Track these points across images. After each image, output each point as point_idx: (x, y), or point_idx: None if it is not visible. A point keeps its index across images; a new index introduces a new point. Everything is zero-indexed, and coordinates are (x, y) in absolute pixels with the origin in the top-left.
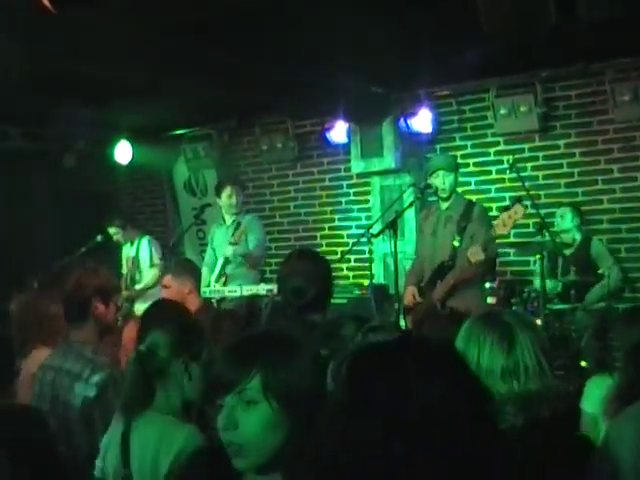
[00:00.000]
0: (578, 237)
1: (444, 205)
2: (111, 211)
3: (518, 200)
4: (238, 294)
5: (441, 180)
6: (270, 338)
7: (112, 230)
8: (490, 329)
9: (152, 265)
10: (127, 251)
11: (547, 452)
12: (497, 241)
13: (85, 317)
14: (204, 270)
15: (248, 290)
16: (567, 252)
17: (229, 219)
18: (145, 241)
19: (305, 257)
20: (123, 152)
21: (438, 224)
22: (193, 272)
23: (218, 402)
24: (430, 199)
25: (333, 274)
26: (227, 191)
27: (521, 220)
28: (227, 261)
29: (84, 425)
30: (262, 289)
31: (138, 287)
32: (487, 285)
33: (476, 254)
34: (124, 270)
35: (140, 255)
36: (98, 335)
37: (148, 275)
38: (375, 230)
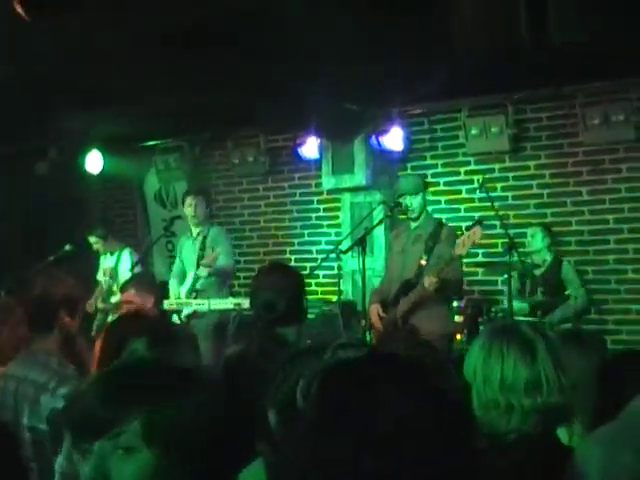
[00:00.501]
0: (548, 258)
1: (413, 225)
2: (85, 220)
3: (479, 222)
4: (206, 307)
5: (408, 202)
6: (156, 369)
7: (92, 239)
8: (512, 342)
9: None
10: (106, 261)
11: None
12: (465, 260)
13: (50, 327)
14: (172, 282)
15: (216, 304)
16: (537, 272)
17: (195, 231)
18: (126, 253)
19: (276, 271)
20: (94, 162)
21: (407, 243)
22: (155, 287)
23: (84, 446)
24: (400, 217)
25: (304, 288)
26: (188, 201)
27: (489, 240)
28: (197, 279)
29: (53, 438)
30: (230, 303)
31: (114, 300)
32: (454, 304)
33: (429, 282)
34: (101, 280)
35: (120, 267)
36: (62, 345)
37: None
38: (344, 246)
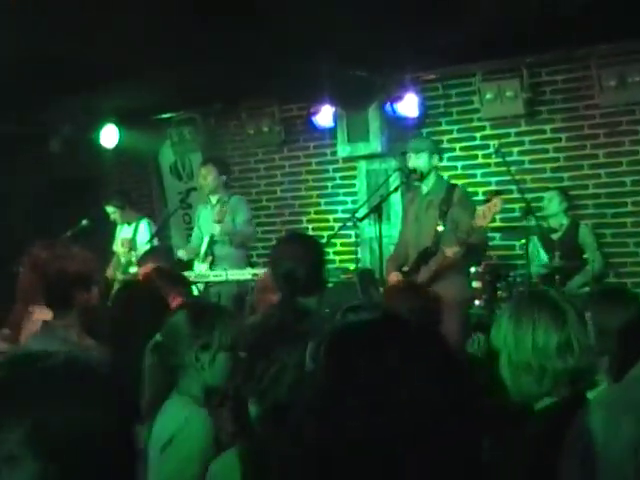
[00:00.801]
0: (565, 222)
1: (425, 189)
2: (101, 195)
3: (497, 192)
4: (223, 278)
5: (413, 162)
6: (46, 368)
7: (110, 209)
8: (542, 307)
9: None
10: (123, 232)
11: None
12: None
13: (67, 305)
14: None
15: (233, 274)
16: (554, 236)
17: (213, 199)
18: (144, 223)
19: (295, 240)
20: (109, 136)
21: (420, 209)
22: (172, 259)
23: None
24: (415, 183)
25: (324, 257)
26: (202, 171)
27: (506, 205)
28: (213, 240)
29: None
30: (248, 273)
31: (133, 270)
32: (472, 270)
33: (452, 251)
34: (118, 250)
35: (137, 237)
36: (81, 319)
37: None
38: (361, 214)
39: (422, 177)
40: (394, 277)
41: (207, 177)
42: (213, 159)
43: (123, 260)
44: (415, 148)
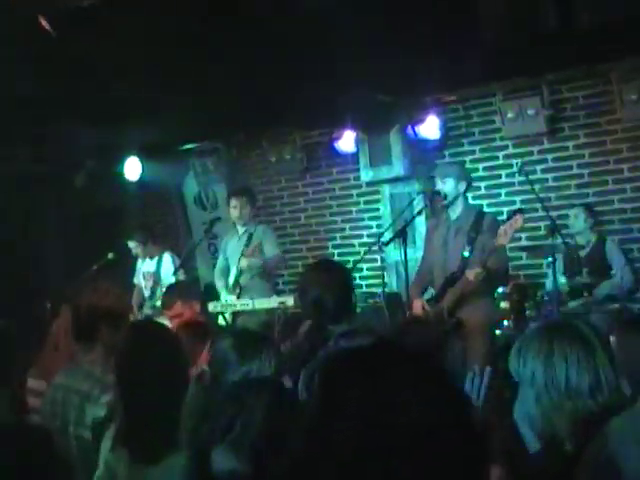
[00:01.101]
0: (592, 238)
1: (454, 215)
2: (126, 228)
3: (519, 210)
4: (250, 307)
5: (439, 186)
6: None
7: (132, 244)
8: (574, 344)
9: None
10: (146, 266)
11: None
12: (509, 245)
13: (94, 339)
14: (217, 276)
15: (260, 303)
16: (581, 253)
17: (241, 229)
18: (167, 256)
19: (321, 267)
20: (132, 168)
21: (448, 234)
22: (198, 292)
23: None
24: (442, 208)
25: (352, 283)
26: (232, 203)
27: (532, 223)
28: (241, 272)
29: (97, 444)
30: (274, 301)
31: (158, 303)
32: (499, 290)
33: (474, 274)
34: (139, 284)
35: (162, 270)
36: (106, 356)
37: None
38: (386, 238)
39: (447, 201)
40: (418, 304)
41: (241, 209)
42: (243, 190)
43: (146, 294)
44: (441, 173)
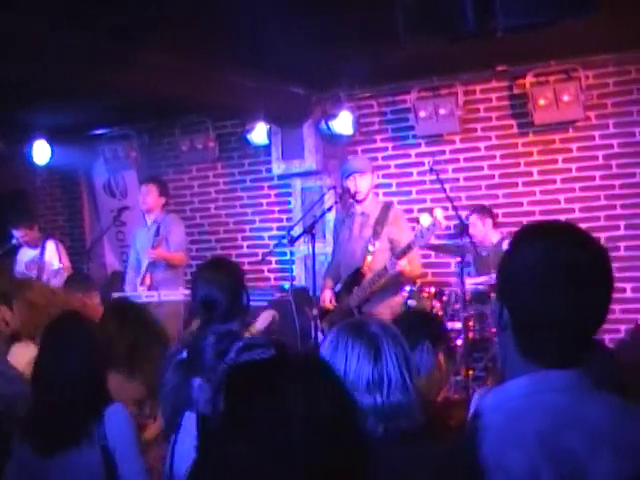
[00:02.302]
0: (494, 238)
1: (359, 208)
2: (33, 212)
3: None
4: (156, 299)
5: (357, 183)
6: None
7: (19, 232)
8: (358, 339)
9: (58, 268)
10: (28, 255)
11: (402, 461)
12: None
13: None
14: (129, 272)
15: (166, 295)
16: (484, 253)
17: (149, 220)
18: (51, 243)
19: (212, 266)
20: (41, 152)
21: (354, 229)
22: (94, 282)
23: None
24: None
25: (244, 283)
26: (142, 191)
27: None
28: (152, 266)
29: None
30: (180, 294)
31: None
32: (407, 288)
33: (401, 265)
34: (26, 273)
35: (46, 258)
36: (6, 344)
37: (57, 277)
38: (296, 232)
39: (360, 198)
40: (326, 296)
41: (147, 196)
42: (153, 178)
43: None
44: (359, 167)
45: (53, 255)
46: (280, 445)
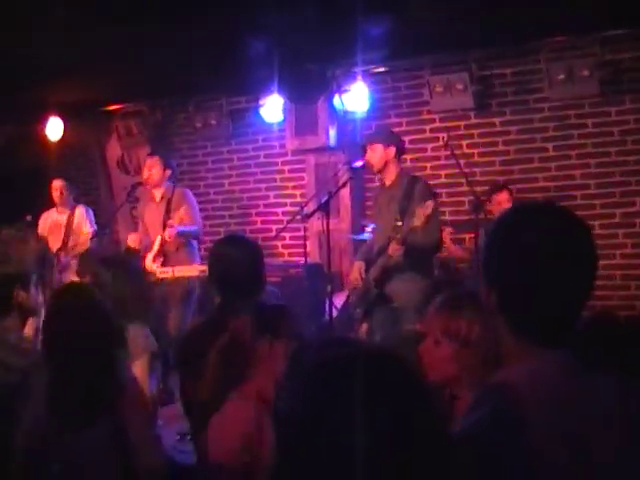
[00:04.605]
0: None
1: (388, 182)
2: (46, 189)
3: (433, 195)
4: (170, 275)
5: (369, 155)
6: None
7: (58, 183)
8: None
9: (86, 232)
10: (52, 217)
11: None
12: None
13: (7, 309)
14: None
15: (180, 271)
16: None
17: (157, 194)
18: (82, 208)
19: (229, 243)
20: (54, 128)
21: (382, 204)
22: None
23: None
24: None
25: (262, 259)
26: (147, 163)
27: (456, 198)
28: (165, 241)
29: (4, 412)
30: (195, 270)
31: (73, 253)
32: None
33: (393, 249)
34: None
35: (75, 221)
36: (21, 320)
37: (84, 241)
38: (310, 208)
39: (375, 170)
40: (357, 266)
41: (151, 169)
42: (159, 152)
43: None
44: (369, 139)
45: (82, 220)
46: (366, 449)
